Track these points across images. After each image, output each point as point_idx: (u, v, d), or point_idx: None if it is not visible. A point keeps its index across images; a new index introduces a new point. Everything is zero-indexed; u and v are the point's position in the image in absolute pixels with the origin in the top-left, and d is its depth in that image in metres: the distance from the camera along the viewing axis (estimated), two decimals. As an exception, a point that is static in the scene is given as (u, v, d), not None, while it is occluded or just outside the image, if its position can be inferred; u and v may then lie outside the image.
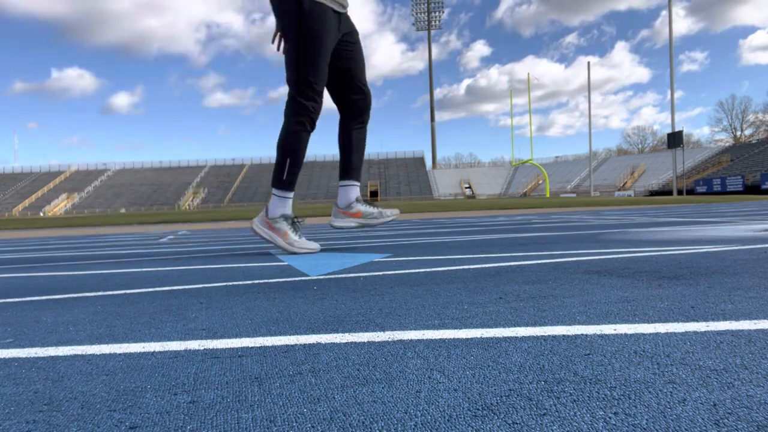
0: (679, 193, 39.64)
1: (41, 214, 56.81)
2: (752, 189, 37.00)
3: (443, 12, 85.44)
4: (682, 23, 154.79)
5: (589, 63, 53.58)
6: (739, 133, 72.31)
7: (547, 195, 50.43)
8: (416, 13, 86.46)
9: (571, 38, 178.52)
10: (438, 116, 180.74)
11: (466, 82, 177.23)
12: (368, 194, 65.98)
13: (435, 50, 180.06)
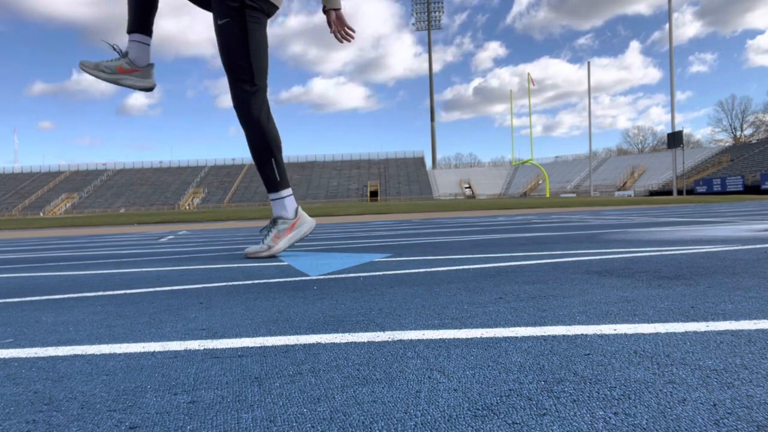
0: (679, 193, 39.64)
1: (41, 214, 56.79)
2: (752, 189, 36.99)
3: (443, 12, 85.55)
4: (692, 27, 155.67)
5: (589, 63, 53.64)
6: (739, 133, 72.30)
7: (547, 195, 50.43)
8: (416, 13, 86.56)
9: (583, 40, 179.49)
10: (446, 116, 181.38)
11: (477, 81, 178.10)
12: (368, 194, 65.98)
13: (450, 52, 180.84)
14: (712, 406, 0.60)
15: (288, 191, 2.62)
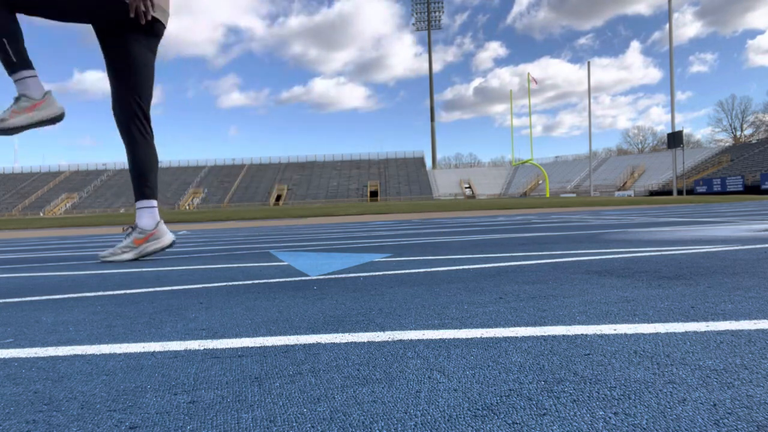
0: (679, 193, 39.65)
1: (41, 214, 56.78)
2: (752, 189, 37.01)
3: (443, 12, 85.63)
4: (692, 27, 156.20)
5: (589, 63, 53.66)
6: (738, 133, 72.35)
7: (547, 195, 50.43)
8: (416, 13, 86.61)
9: (583, 40, 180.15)
10: (446, 116, 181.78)
11: (477, 81, 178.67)
12: (368, 194, 66.00)
13: (450, 52, 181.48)
14: (712, 406, 0.60)
15: (28, 71, 2.46)
